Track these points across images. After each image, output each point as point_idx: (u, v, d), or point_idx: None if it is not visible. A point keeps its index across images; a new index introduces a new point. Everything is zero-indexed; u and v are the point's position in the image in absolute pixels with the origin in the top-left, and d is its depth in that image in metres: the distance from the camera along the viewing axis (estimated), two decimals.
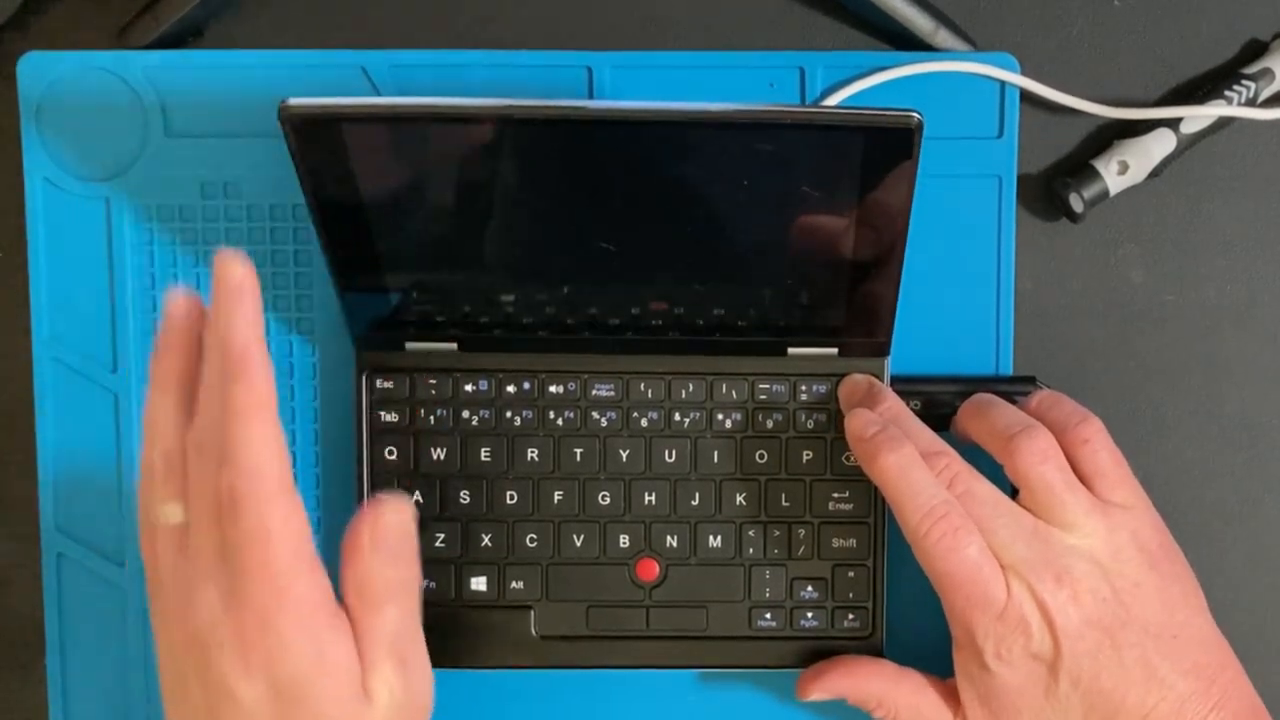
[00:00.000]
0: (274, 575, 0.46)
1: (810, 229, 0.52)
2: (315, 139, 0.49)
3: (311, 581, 0.47)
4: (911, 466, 0.52)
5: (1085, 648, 0.51)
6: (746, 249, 0.53)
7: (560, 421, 0.57)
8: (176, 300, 0.49)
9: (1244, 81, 0.58)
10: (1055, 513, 0.52)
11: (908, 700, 0.55)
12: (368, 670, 0.48)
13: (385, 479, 0.57)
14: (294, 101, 0.48)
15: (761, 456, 0.58)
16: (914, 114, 0.48)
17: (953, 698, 0.55)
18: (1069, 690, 0.52)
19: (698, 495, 0.58)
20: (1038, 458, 0.52)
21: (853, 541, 0.58)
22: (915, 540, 0.52)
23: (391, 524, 0.49)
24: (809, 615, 0.58)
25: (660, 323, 0.56)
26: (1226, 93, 0.58)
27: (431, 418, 0.57)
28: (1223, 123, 0.59)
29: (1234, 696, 0.52)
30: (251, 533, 0.46)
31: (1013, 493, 0.54)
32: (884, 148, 0.49)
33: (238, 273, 0.46)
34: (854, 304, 0.55)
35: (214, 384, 0.47)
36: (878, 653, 0.58)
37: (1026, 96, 0.59)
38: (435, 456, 0.57)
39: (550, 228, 0.53)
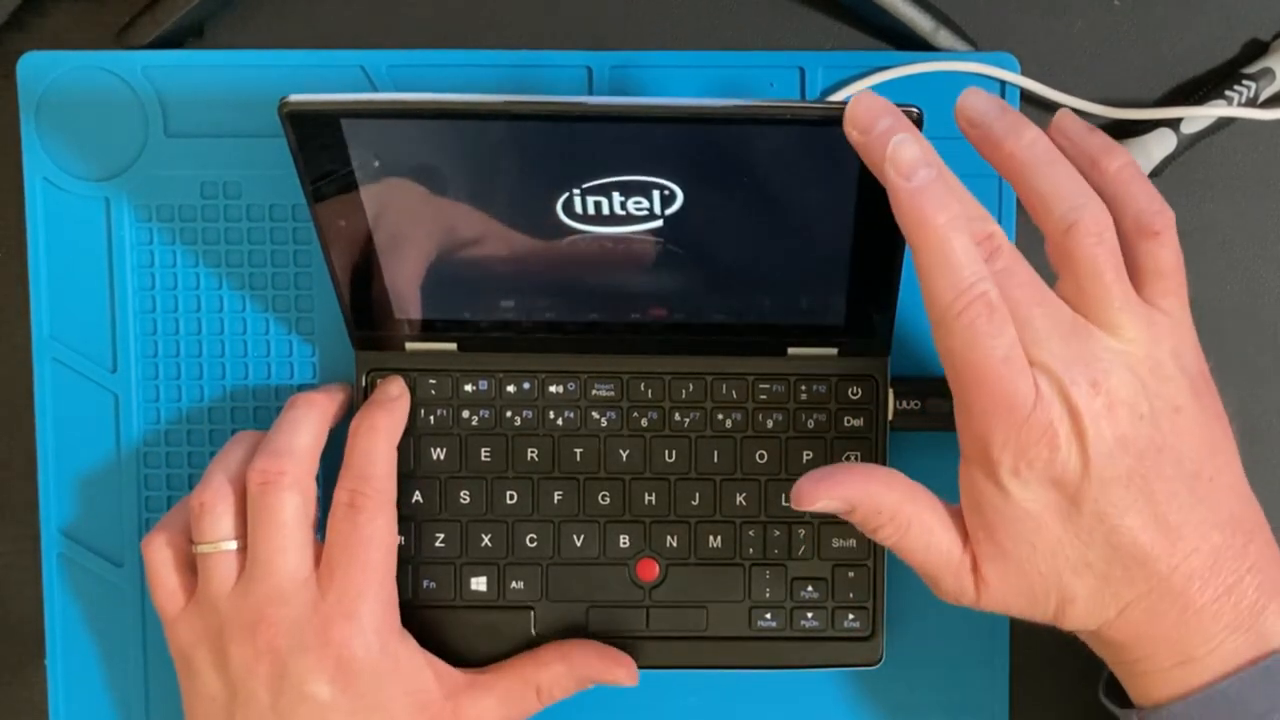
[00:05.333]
0: (367, 569, 0.52)
1: (809, 228, 0.52)
2: (315, 135, 0.49)
3: (391, 594, 0.53)
4: (959, 233, 0.44)
5: (1115, 474, 0.45)
6: (746, 248, 0.53)
7: (560, 421, 0.57)
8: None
9: (1244, 81, 0.58)
10: (1097, 307, 0.46)
11: (921, 518, 0.48)
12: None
13: None
14: (294, 98, 0.48)
15: (761, 456, 0.57)
16: (913, 110, 0.48)
17: (963, 525, 0.48)
18: (1093, 524, 0.45)
19: (697, 495, 0.57)
20: (1094, 238, 0.45)
21: (853, 541, 0.57)
22: (943, 319, 0.45)
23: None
24: (809, 615, 0.58)
25: (660, 323, 0.56)
26: (1226, 93, 0.58)
27: (431, 418, 0.57)
28: (1223, 123, 0.59)
29: (1270, 564, 0.46)
30: (361, 529, 0.52)
31: None
32: None
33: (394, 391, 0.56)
34: (853, 304, 0.55)
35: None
36: (877, 656, 0.58)
37: (1026, 96, 0.59)
38: (435, 456, 0.57)
39: (550, 226, 0.52)
